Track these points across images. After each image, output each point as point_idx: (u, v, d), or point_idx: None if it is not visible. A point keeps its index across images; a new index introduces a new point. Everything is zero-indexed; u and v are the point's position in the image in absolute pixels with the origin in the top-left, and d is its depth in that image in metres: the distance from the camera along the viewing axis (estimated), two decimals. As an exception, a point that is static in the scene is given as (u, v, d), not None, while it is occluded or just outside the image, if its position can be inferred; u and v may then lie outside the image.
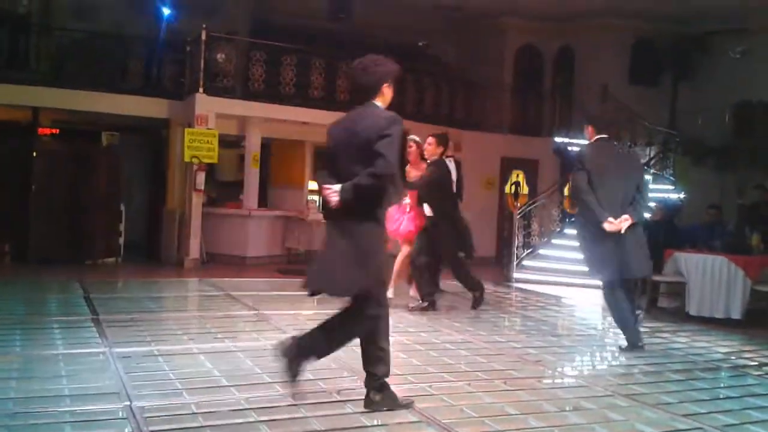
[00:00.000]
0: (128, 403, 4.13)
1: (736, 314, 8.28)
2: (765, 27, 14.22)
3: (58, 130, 13.37)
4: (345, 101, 12.83)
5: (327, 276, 4.12)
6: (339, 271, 4.04)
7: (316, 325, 4.27)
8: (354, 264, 4.01)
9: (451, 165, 8.15)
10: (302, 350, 4.16)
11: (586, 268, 6.86)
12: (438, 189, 7.75)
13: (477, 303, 8.24)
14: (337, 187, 4.00)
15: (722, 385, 5.55)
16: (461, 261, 8.18)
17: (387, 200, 4.12)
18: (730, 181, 14.44)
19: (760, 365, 6.18)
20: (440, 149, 7.83)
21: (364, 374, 4.22)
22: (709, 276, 8.45)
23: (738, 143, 14.51)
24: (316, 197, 13.59)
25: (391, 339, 6.23)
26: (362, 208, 4.01)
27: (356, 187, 3.93)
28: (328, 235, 4.19)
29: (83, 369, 4.87)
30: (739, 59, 14.32)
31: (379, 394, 4.19)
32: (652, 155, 14.74)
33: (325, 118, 12.60)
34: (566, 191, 13.08)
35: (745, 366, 6.15)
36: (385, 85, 4.36)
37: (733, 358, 6.48)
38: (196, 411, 4.07)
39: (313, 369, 5.10)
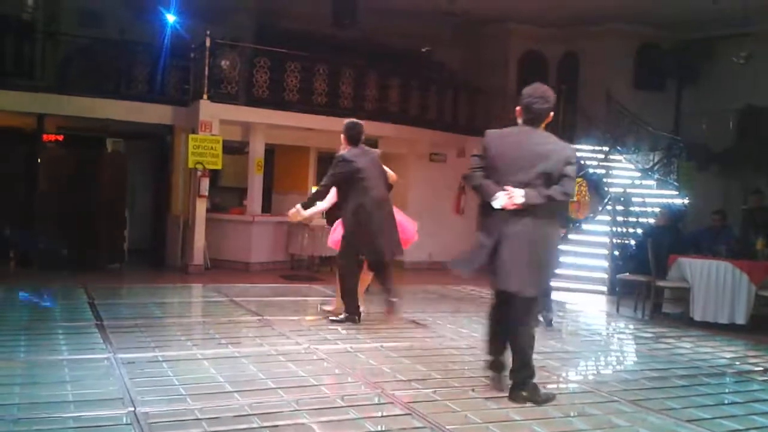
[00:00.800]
0: (132, 408, 4.12)
1: (740, 319, 8.27)
2: (767, 32, 14.22)
3: (62, 137, 13.40)
4: (348, 108, 12.87)
5: (516, 274, 4.50)
6: (527, 272, 4.49)
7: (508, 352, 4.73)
8: (541, 267, 4.60)
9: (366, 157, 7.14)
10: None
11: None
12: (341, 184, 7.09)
13: (339, 320, 7.13)
14: (520, 191, 4.43)
15: (727, 390, 5.53)
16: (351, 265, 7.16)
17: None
18: (734, 186, 14.43)
19: (765, 371, 6.17)
20: (346, 140, 7.16)
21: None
22: (713, 281, 8.44)
23: (742, 148, 14.51)
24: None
25: (394, 344, 6.28)
26: (550, 217, 4.59)
27: (548, 198, 4.46)
28: (506, 236, 4.50)
29: (87, 375, 4.87)
30: (743, 64, 14.30)
31: (526, 390, 4.60)
32: (656, 160, 14.73)
33: (329, 124, 12.69)
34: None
35: (749, 371, 6.13)
36: (552, 113, 4.85)
37: (737, 363, 6.46)
38: (199, 417, 4.07)
39: (316, 374, 5.12)
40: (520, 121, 4.83)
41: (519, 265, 4.48)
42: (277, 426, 3.99)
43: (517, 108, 4.87)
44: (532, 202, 4.43)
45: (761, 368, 6.25)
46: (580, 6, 14.59)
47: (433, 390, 4.84)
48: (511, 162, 4.59)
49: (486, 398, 4.73)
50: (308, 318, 7.01)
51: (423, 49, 16.69)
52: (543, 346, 6.71)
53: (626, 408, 4.70)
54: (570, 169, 4.55)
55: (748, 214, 11.60)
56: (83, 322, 6.68)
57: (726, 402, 5.12)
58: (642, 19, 15.21)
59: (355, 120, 7.29)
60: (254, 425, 3.99)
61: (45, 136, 12.69)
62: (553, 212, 4.63)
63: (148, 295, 8.33)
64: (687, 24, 15.04)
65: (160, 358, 5.41)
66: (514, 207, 4.44)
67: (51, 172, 11.57)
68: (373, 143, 13.53)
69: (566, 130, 15.78)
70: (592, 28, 15.79)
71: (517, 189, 4.45)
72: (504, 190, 4.49)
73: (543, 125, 4.78)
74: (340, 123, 12.40)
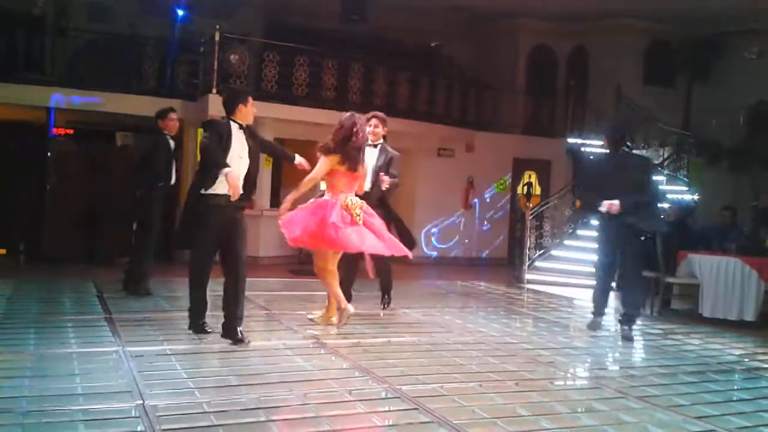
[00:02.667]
0: (141, 401, 4.14)
1: (749, 316, 8.23)
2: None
3: (72, 131, 13.45)
4: (357, 102, 12.85)
5: None
6: None
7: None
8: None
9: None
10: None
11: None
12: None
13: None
14: (617, 201, 6.73)
15: (735, 387, 5.52)
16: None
17: None
18: (744, 182, 14.36)
19: (775, 368, 6.14)
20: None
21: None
22: (722, 278, 8.40)
23: (753, 144, 14.43)
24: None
25: (402, 339, 6.29)
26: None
27: (637, 204, 6.83)
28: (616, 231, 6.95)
29: (96, 368, 4.89)
30: (754, 60, 14.23)
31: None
32: (666, 156, 14.67)
33: (337, 118, 12.65)
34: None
35: (758, 368, 6.11)
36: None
37: (746, 360, 6.44)
38: (207, 410, 4.08)
39: (324, 369, 5.14)
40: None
41: None
42: (284, 420, 4.01)
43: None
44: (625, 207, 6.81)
45: (770, 365, 6.23)
46: (590, 1, 14.52)
47: (441, 385, 4.84)
48: (610, 180, 7.04)
49: (493, 393, 4.73)
50: (316, 312, 7.00)
51: (432, 44, 16.66)
52: (551, 342, 6.72)
53: (634, 404, 4.68)
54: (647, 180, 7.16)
55: (760, 212, 11.55)
56: (92, 316, 6.71)
57: (734, 399, 5.11)
58: (652, 14, 15.12)
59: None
60: (261, 419, 4.00)
61: (54, 130, 12.75)
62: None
63: (157, 288, 8.34)
64: (698, 20, 14.95)
65: (169, 352, 5.44)
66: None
67: (60, 165, 11.62)
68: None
69: (575, 126, 15.77)
70: (602, 23, 15.71)
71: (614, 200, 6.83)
72: None
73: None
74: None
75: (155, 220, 7.98)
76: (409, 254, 6.73)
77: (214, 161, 5.64)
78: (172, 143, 8.08)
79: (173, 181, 8.19)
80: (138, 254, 8.07)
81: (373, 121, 7.25)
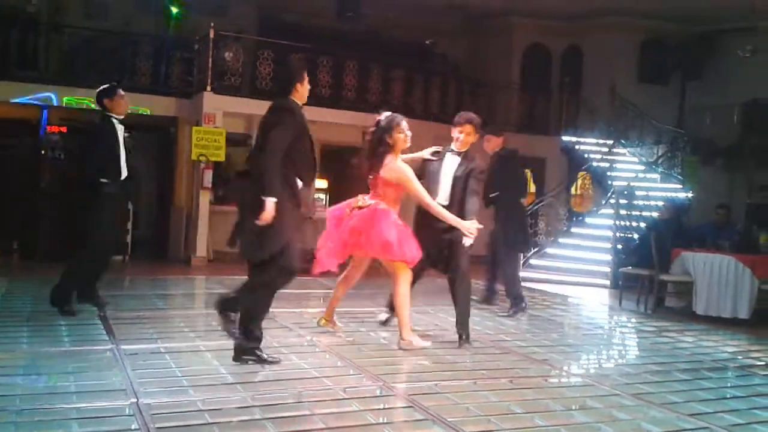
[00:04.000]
0: (135, 400, 4.13)
1: (743, 314, 8.26)
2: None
3: (66, 129, 13.40)
4: (352, 99, 12.85)
5: None
6: None
7: None
8: None
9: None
10: None
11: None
12: None
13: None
14: None
15: (729, 384, 5.53)
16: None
17: None
18: (738, 180, 14.40)
19: (767, 365, 6.16)
20: None
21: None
22: (716, 275, 8.43)
23: (747, 142, 14.46)
24: (322, 195, 13.58)
25: (396, 337, 6.28)
26: None
27: None
28: None
29: (90, 366, 4.88)
30: (748, 58, 14.26)
31: None
32: (660, 154, 14.70)
33: (332, 116, 12.69)
34: (574, 190, 13.09)
35: (752, 366, 6.13)
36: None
37: (740, 357, 6.46)
38: (202, 408, 4.08)
39: (319, 367, 5.13)
40: None
41: None
42: (279, 417, 4.00)
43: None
44: None
45: (763, 362, 6.24)
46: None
47: (435, 382, 4.84)
48: None
49: (487, 391, 4.74)
50: (311, 310, 7.00)
51: (427, 42, 16.66)
52: (545, 340, 6.74)
53: (628, 401, 4.70)
54: None
55: (754, 210, 11.58)
56: (86, 314, 6.69)
57: (728, 396, 5.12)
58: (646, 12, 15.14)
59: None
60: (256, 417, 4.00)
61: (49, 128, 12.70)
62: None
63: (151, 286, 8.34)
64: (692, 17, 15.00)
65: (163, 350, 5.43)
66: None
67: (54, 163, 11.58)
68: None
69: (569, 124, 15.79)
70: (596, 21, 15.73)
71: None
72: None
73: None
74: (343, 115, 12.37)
75: (103, 225, 6.52)
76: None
77: None
78: (120, 128, 6.62)
79: (123, 175, 6.58)
80: (71, 266, 6.66)
81: (464, 129, 6.42)
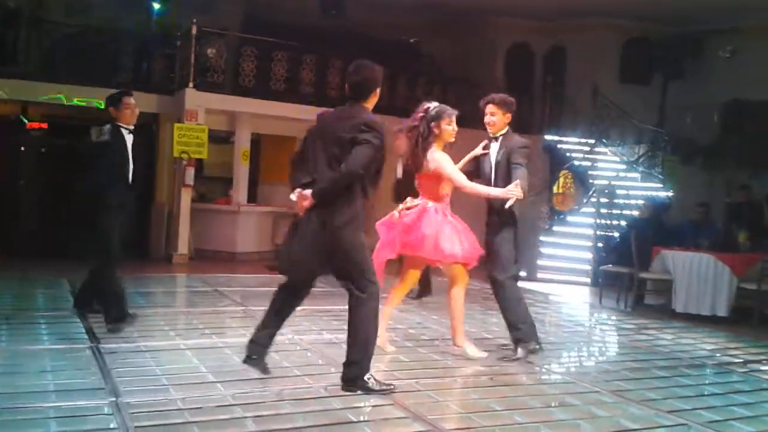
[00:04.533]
0: (114, 398, 4.12)
1: (722, 311, 8.34)
2: (754, 27, 14.30)
3: (46, 125, 13.30)
4: (335, 97, 12.82)
5: None
6: None
7: None
8: None
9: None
10: None
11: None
12: None
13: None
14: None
15: (707, 381, 5.59)
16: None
17: None
18: (718, 179, 14.52)
19: (745, 362, 6.23)
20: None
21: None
22: (695, 273, 8.50)
23: (726, 142, 14.60)
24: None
25: (378, 335, 6.28)
26: None
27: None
28: None
29: (69, 364, 4.86)
30: (729, 59, 14.39)
31: None
32: (641, 153, 14.80)
33: (315, 114, 12.62)
34: (556, 188, 13.15)
35: (730, 363, 6.19)
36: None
37: (718, 355, 6.53)
38: (182, 407, 4.06)
39: (300, 365, 5.13)
40: None
41: None
42: (260, 416, 4.00)
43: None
44: None
45: (741, 360, 6.32)
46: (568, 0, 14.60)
47: (416, 380, 4.86)
48: None
49: (468, 388, 4.76)
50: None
51: (411, 41, 16.67)
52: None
53: (607, 398, 4.74)
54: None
55: (734, 208, 11.69)
56: (65, 312, 6.65)
57: (706, 393, 5.18)
58: (628, 13, 15.23)
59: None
60: (237, 415, 3.99)
61: (29, 124, 12.59)
62: None
63: (132, 284, 8.27)
64: (673, 18, 15.10)
65: (143, 348, 5.41)
66: None
67: (35, 159, 11.49)
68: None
69: (552, 123, 15.85)
70: (579, 21, 15.79)
71: None
72: None
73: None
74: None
75: (112, 232, 6.38)
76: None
77: None
78: (129, 138, 6.37)
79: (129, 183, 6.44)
80: (94, 277, 6.43)
81: (488, 109, 6.22)
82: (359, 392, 4.38)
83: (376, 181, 4.63)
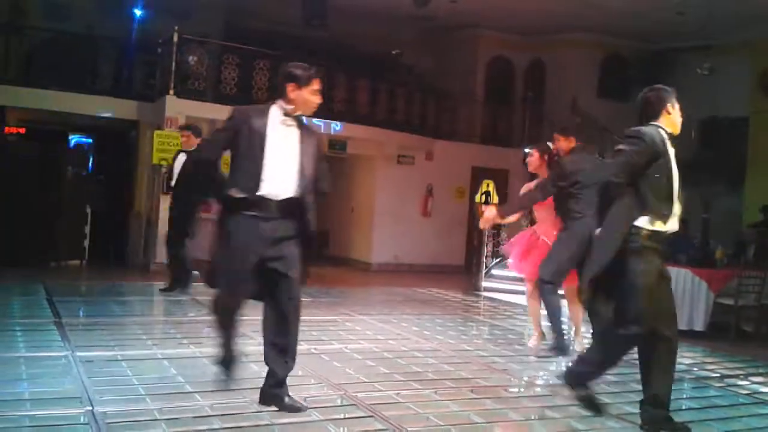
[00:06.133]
0: (90, 408, 4.06)
1: (699, 326, 8.39)
2: (729, 45, 14.54)
3: (24, 130, 13.16)
4: (318, 107, 12.81)
5: None
6: None
7: None
8: None
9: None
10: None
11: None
12: None
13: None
14: None
15: (684, 396, 5.62)
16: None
17: None
18: (695, 195, 14.68)
19: (722, 377, 6.27)
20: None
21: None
22: (673, 288, 8.54)
23: (703, 158, 14.77)
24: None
25: (358, 346, 6.27)
26: None
27: None
28: None
29: (44, 372, 4.79)
30: (706, 76, 14.57)
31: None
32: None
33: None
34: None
35: (707, 377, 6.23)
36: None
37: (695, 369, 6.56)
38: (158, 417, 4.02)
39: (279, 375, 5.08)
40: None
41: None
42: (238, 427, 3.96)
43: None
44: None
45: (718, 374, 6.36)
46: (547, 15, 14.74)
47: (397, 392, 4.84)
48: None
49: (448, 400, 4.75)
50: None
51: (393, 52, 16.73)
52: (506, 350, 6.78)
53: (586, 412, 4.73)
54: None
55: (711, 225, 11.81)
56: (41, 319, 6.57)
57: (683, 408, 5.21)
58: (607, 29, 15.42)
59: None
60: (215, 426, 3.95)
61: (6, 129, 12.46)
62: None
63: (109, 292, 8.21)
64: (651, 35, 15.31)
65: (120, 357, 5.34)
66: None
67: (11, 165, 11.35)
68: (341, 145, 13.55)
69: (531, 137, 15.95)
70: (559, 36, 15.97)
71: None
72: None
73: None
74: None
75: None
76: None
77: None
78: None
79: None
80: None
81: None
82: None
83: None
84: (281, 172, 4.10)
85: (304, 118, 4.32)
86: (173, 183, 8.53)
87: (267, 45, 12.93)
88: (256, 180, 4.04)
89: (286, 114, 4.22)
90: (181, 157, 8.54)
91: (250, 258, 4.06)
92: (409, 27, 15.94)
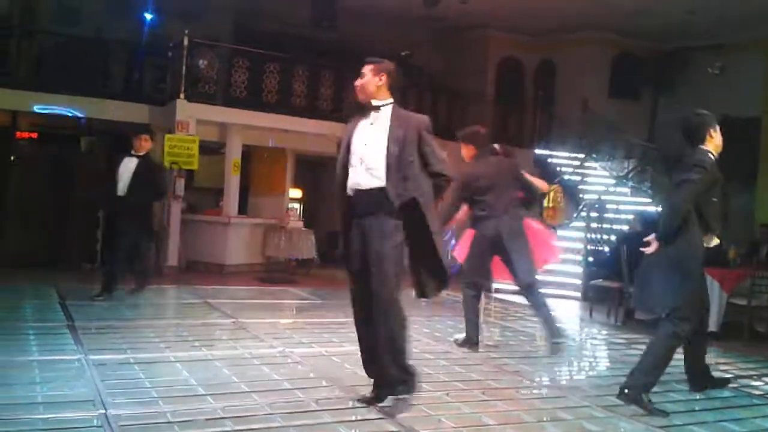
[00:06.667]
0: (103, 411, 4.07)
1: (712, 327, 8.32)
2: (741, 44, 14.45)
3: (36, 135, 13.23)
4: (327, 110, 12.85)
5: None
6: None
7: None
8: None
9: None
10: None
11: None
12: None
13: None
14: None
15: (698, 397, 5.58)
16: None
17: None
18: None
19: (736, 377, 6.23)
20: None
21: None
22: (685, 289, 8.50)
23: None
24: (296, 205, 13.54)
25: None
26: None
27: None
28: None
29: (58, 376, 4.81)
30: (717, 75, 14.51)
31: None
32: (630, 168, 14.88)
33: (307, 126, 12.68)
34: (546, 203, 13.18)
35: (720, 378, 6.19)
36: None
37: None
38: (171, 420, 4.03)
39: (291, 378, 5.10)
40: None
41: None
42: (250, 429, 3.97)
43: None
44: None
45: (732, 375, 6.32)
46: (557, 15, 14.72)
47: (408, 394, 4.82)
48: None
49: (460, 402, 4.74)
50: (284, 321, 6.97)
51: (402, 53, 16.73)
52: (517, 351, 6.77)
53: (598, 413, 4.73)
54: None
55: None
56: (54, 323, 6.60)
57: (697, 408, 5.17)
58: (618, 28, 15.37)
59: None
60: (227, 428, 3.96)
61: (18, 134, 12.53)
62: None
63: (121, 296, 8.22)
64: (663, 34, 15.24)
65: (132, 360, 5.36)
66: None
67: (24, 169, 11.43)
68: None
69: (542, 137, 15.93)
70: (569, 36, 15.94)
71: None
72: None
73: None
74: (318, 125, 12.33)
75: None
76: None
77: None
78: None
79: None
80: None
81: None
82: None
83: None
84: None
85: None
86: (125, 189, 8.10)
87: (276, 47, 12.96)
88: None
89: None
90: (129, 162, 8.19)
91: None
92: (420, 28, 15.95)
